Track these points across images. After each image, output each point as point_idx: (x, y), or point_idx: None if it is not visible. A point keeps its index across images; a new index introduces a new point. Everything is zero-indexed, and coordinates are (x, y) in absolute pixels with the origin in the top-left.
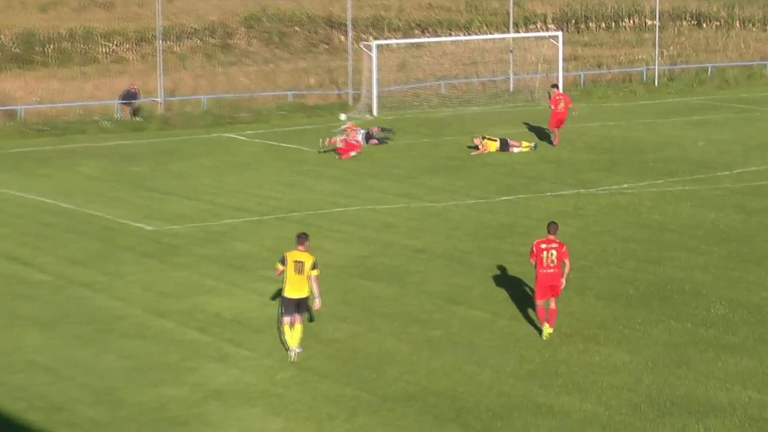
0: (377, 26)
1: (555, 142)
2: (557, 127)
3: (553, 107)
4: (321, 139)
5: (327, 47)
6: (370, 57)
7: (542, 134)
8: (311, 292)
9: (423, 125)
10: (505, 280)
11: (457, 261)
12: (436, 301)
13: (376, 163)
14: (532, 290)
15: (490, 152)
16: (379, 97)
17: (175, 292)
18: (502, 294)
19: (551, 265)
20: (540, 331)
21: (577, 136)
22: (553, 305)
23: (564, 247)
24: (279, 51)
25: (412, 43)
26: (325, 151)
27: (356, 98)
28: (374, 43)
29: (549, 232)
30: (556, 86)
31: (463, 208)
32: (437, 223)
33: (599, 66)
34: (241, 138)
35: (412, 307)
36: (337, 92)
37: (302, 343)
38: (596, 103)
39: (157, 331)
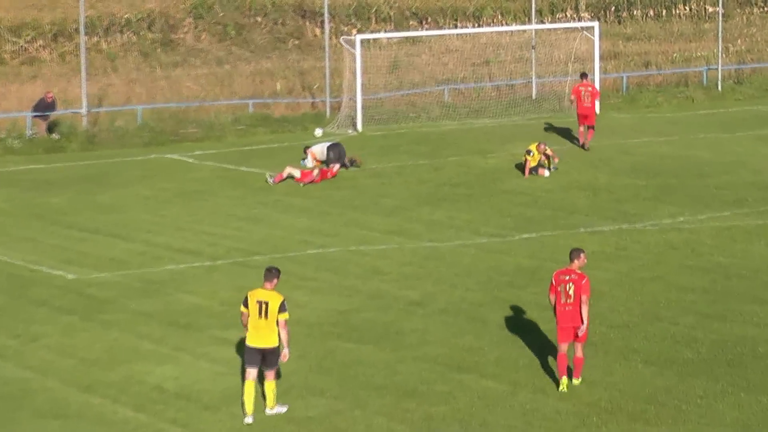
0: (362, 16)
1: (585, 144)
2: (584, 126)
3: (574, 98)
4: (268, 174)
5: (298, 43)
6: (352, 55)
7: (574, 151)
8: (280, 341)
9: (421, 142)
10: (526, 340)
11: (465, 316)
12: (439, 369)
13: (360, 191)
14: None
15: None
16: (365, 106)
17: (103, 358)
18: (524, 358)
19: (569, 301)
20: (557, 383)
21: (617, 155)
22: (579, 353)
23: (584, 279)
24: (236, 48)
25: (406, 38)
26: (273, 180)
27: (335, 108)
28: (358, 37)
29: (570, 261)
30: (585, 75)
31: (472, 249)
32: (439, 268)
33: (646, 66)
34: (188, 160)
35: (408, 376)
36: (310, 100)
37: (276, 413)
38: (642, 113)
39: (81, 408)
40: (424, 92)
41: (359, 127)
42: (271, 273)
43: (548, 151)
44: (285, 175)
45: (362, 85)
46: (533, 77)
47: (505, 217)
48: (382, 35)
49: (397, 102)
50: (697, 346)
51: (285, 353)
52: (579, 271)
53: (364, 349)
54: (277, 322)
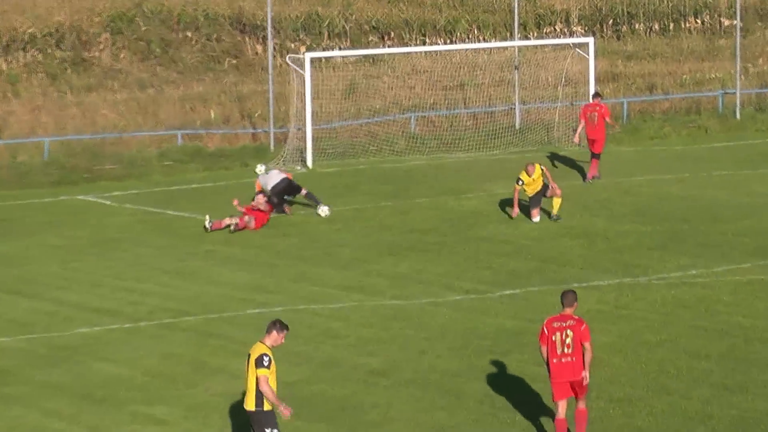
0: (312, 30)
1: (588, 175)
2: (593, 154)
3: (582, 122)
4: (207, 218)
5: (235, 62)
6: (301, 77)
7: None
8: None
9: (383, 180)
10: (511, 416)
11: (437, 388)
12: None
13: (311, 239)
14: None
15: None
16: (315, 138)
17: None
18: None
19: (567, 351)
20: None
21: (617, 196)
22: (581, 405)
23: (583, 325)
24: (162, 69)
25: (365, 56)
26: (211, 227)
27: (281, 140)
28: (307, 55)
29: (564, 305)
30: (597, 95)
31: (444, 308)
32: (405, 331)
33: (651, 89)
34: (105, 202)
35: None
36: (251, 131)
37: None
38: (647, 146)
39: None
40: (386, 121)
41: (309, 162)
42: (276, 326)
43: (547, 174)
44: (224, 224)
45: (312, 112)
46: (516, 103)
47: (483, 270)
48: (335, 53)
49: (354, 132)
50: (713, 423)
51: (283, 412)
52: (576, 316)
53: (315, 428)
54: (257, 378)
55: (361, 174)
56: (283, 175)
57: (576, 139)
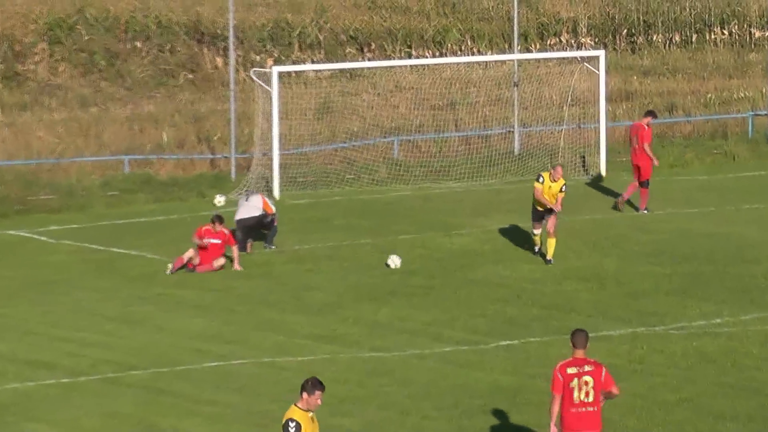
0: (280, 40)
1: (641, 206)
2: (639, 181)
3: (636, 142)
4: (170, 265)
5: (192, 77)
6: (267, 94)
7: (573, 226)
8: None
9: (361, 214)
10: None
11: None
12: None
13: (277, 282)
14: None
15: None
16: (283, 165)
17: None
18: None
19: (586, 400)
20: None
21: (631, 233)
22: None
23: (604, 370)
24: (107, 84)
25: (341, 70)
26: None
27: (243, 167)
28: (275, 69)
29: (576, 347)
30: (651, 113)
31: (431, 361)
32: (386, 388)
33: (671, 110)
34: (40, 238)
35: None
36: (209, 157)
37: None
38: (666, 175)
39: None
40: (365, 145)
41: (276, 192)
42: (302, 385)
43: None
44: (186, 258)
45: (280, 135)
46: (515, 125)
47: (476, 318)
48: (307, 67)
49: (328, 158)
50: None
51: None
52: (592, 359)
53: None
54: None
55: (335, 206)
56: (259, 211)
57: (656, 162)
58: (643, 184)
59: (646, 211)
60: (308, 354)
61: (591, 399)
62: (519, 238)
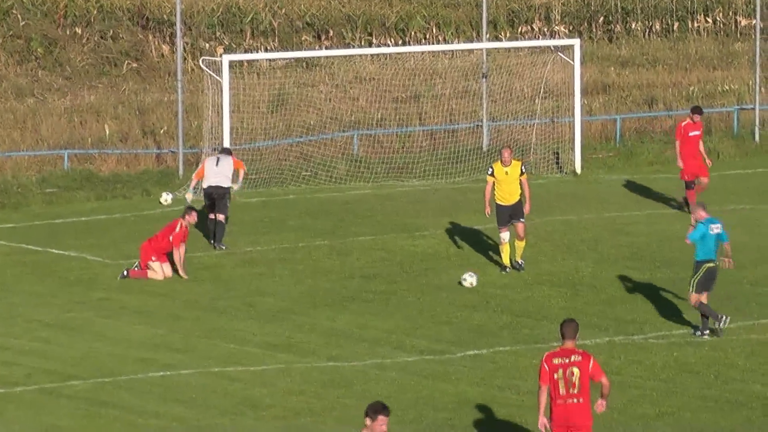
0: (231, 27)
1: (691, 198)
2: (694, 177)
3: (678, 142)
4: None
5: (136, 66)
6: (218, 85)
7: (546, 229)
8: None
9: (318, 214)
10: None
11: None
12: None
13: (227, 286)
14: None
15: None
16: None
17: None
18: None
19: (572, 391)
20: None
21: (607, 235)
22: None
23: (591, 360)
24: (45, 73)
25: (297, 59)
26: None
27: (192, 163)
28: (225, 58)
29: (564, 338)
30: (697, 110)
31: (393, 372)
32: (344, 400)
33: (650, 104)
34: None
35: None
36: (155, 152)
37: None
38: (644, 173)
39: None
40: (322, 140)
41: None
42: (367, 410)
43: (525, 185)
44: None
45: (231, 128)
46: (484, 119)
47: (441, 325)
48: (260, 56)
49: (282, 154)
50: None
51: None
52: (580, 350)
53: None
54: None
55: (290, 205)
56: (228, 182)
57: (680, 164)
58: (702, 181)
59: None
60: (261, 364)
61: (577, 390)
62: (487, 240)
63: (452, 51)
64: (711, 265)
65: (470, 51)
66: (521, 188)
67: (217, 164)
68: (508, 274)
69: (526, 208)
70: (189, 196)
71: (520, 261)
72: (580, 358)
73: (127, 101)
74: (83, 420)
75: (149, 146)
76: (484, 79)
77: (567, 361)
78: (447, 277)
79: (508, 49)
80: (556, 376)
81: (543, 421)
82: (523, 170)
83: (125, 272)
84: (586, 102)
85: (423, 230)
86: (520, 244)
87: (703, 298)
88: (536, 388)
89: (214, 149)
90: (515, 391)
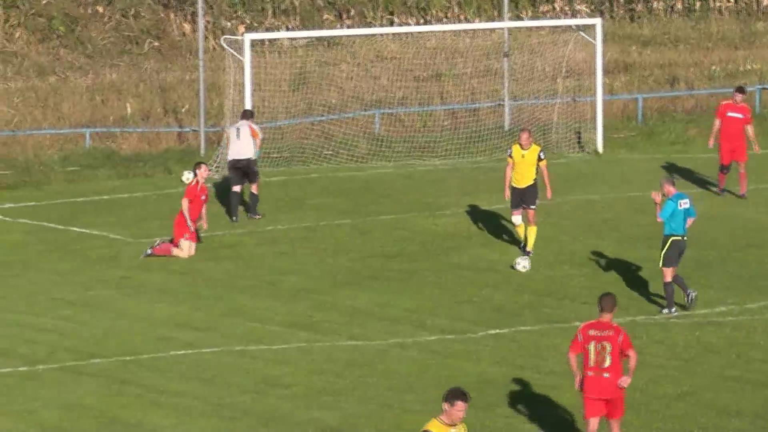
0: (253, 6)
1: (742, 191)
2: (729, 162)
3: (719, 121)
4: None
5: (158, 45)
6: (239, 63)
7: (567, 208)
8: None
9: (339, 193)
10: None
11: None
12: None
13: (248, 265)
14: None
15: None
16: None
17: None
18: None
19: (603, 365)
20: None
21: (628, 215)
22: (615, 430)
23: (622, 334)
24: (67, 52)
25: (318, 38)
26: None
27: (213, 141)
28: (247, 36)
29: (603, 310)
30: (740, 90)
31: (414, 351)
32: (366, 379)
33: (672, 83)
34: None
35: None
36: (176, 130)
37: None
38: (666, 153)
39: None
40: (344, 119)
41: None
42: (446, 395)
43: (543, 170)
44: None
45: (253, 107)
46: (505, 99)
47: (463, 305)
48: (282, 34)
49: (304, 133)
50: None
51: None
52: (614, 324)
53: None
54: None
55: (311, 184)
56: (251, 153)
57: (710, 143)
58: (741, 164)
59: (722, 194)
60: (282, 342)
61: (608, 364)
62: (508, 220)
63: (473, 30)
64: (677, 238)
65: (492, 30)
66: (538, 174)
67: (238, 135)
68: (529, 255)
69: (548, 194)
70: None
71: (529, 250)
72: (612, 332)
73: (148, 80)
74: (105, 398)
75: (171, 124)
76: (505, 58)
77: (601, 333)
78: (468, 257)
79: (530, 29)
80: (588, 347)
81: (578, 379)
82: (542, 156)
83: (149, 250)
84: (607, 81)
85: (444, 209)
86: (531, 230)
87: (669, 272)
88: (557, 368)
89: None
90: (537, 371)
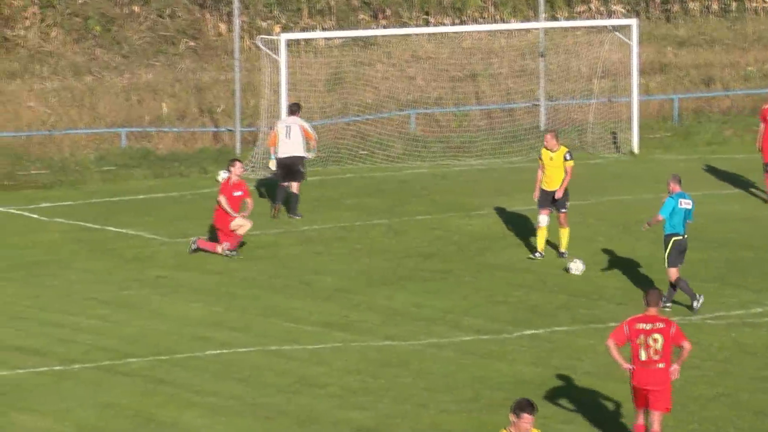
0: (288, 6)
1: None
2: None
3: (763, 126)
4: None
5: (194, 45)
6: (275, 63)
7: (599, 208)
8: None
9: (375, 193)
10: None
11: None
12: None
13: (284, 265)
14: None
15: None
16: None
17: None
18: None
19: (654, 357)
20: None
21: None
22: (656, 426)
23: (674, 327)
24: (103, 51)
25: (354, 39)
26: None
27: (249, 141)
28: (283, 36)
29: (649, 304)
30: None
31: (449, 351)
32: (401, 379)
33: (708, 84)
34: (30, 215)
35: None
36: (212, 130)
37: None
38: (702, 154)
39: None
40: (379, 119)
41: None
42: (513, 407)
43: (568, 171)
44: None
45: (288, 108)
46: (541, 99)
47: (498, 305)
48: (317, 34)
49: (339, 133)
50: None
51: None
52: (662, 317)
53: None
54: None
55: (347, 184)
56: (301, 151)
57: (757, 144)
58: (765, 167)
59: None
60: (317, 342)
61: (660, 356)
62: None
63: (509, 30)
64: (678, 238)
65: (527, 30)
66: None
67: (288, 135)
68: (563, 257)
69: (558, 193)
70: (272, 164)
71: (564, 251)
72: (663, 325)
73: (184, 79)
74: (140, 397)
75: (206, 124)
76: (541, 59)
77: (650, 327)
78: (504, 257)
79: (566, 29)
80: (637, 341)
81: (626, 365)
82: (568, 157)
83: (194, 246)
84: (643, 81)
85: (479, 209)
86: (563, 232)
87: (674, 272)
88: (593, 369)
89: (271, 128)
90: (572, 371)
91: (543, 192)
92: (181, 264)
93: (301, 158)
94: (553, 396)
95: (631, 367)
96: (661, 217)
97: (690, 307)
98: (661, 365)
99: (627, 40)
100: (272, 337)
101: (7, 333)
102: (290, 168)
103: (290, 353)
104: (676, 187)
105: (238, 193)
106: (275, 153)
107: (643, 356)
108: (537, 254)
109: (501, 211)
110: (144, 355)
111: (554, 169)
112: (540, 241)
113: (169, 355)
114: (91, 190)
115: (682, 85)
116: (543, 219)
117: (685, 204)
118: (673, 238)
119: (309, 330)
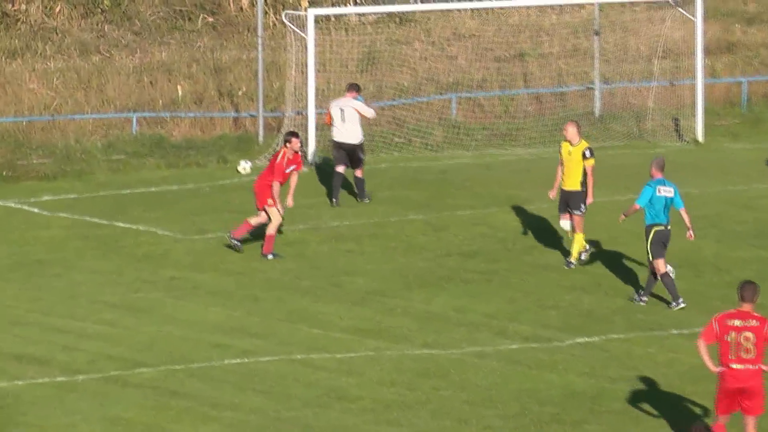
0: None
1: None
2: None
3: None
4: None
5: (212, 21)
6: (302, 42)
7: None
8: None
9: (412, 185)
10: None
11: None
12: None
13: (311, 264)
14: None
15: None
16: (320, 126)
17: None
18: None
19: (745, 356)
20: None
21: (732, 211)
22: (751, 428)
23: (767, 324)
24: (112, 28)
25: (389, 14)
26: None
27: (273, 128)
28: (311, 12)
29: (742, 300)
30: None
31: (494, 361)
32: (440, 392)
33: None
34: (31, 210)
35: None
36: (232, 115)
37: None
38: None
39: None
40: (417, 103)
41: (311, 158)
42: None
43: (588, 170)
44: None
45: (317, 90)
46: (596, 82)
47: (548, 310)
48: (349, 10)
49: (374, 119)
50: None
51: None
52: (757, 314)
53: None
54: None
55: (381, 175)
56: (358, 139)
57: None
58: None
59: None
60: (347, 351)
61: (752, 356)
62: (599, 215)
63: (561, 5)
64: (660, 228)
65: (581, 6)
66: (583, 175)
67: (342, 117)
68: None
69: (589, 199)
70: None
71: (572, 261)
72: (756, 323)
73: (201, 59)
74: (151, 411)
75: (226, 109)
76: (596, 37)
77: (743, 324)
78: (553, 256)
79: (623, 4)
80: (727, 338)
81: (715, 368)
82: (587, 154)
83: (233, 241)
84: (708, 63)
85: (528, 204)
86: (576, 238)
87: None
88: (652, 380)
89: (298, 112)
90: (629, 383)
91: (561, 192)
92: (197, 263)
93: (356, 144)
94: (607, 411)
95: (719, 369)
96: (637, 206)
97: (668, 304)
98: (752, 366)
99: (690, 17)
100: (298, 344)
101: (5, 340)
102: (350, 155)
103: (318, 362)
104: (657, 173)
105: (291, 168)
106: (332, 135)
107: (732, 355)
108: (570, 265)
109: (551, 206)
110: (156, 364)
111: (573, 166)
112: (572, 249)
113: (183, 364)
114: (98, 181)
115: (751, 66)
116: (565, 224)
117: (665, 191)
118: (654, 228)
119: (338, 337)
